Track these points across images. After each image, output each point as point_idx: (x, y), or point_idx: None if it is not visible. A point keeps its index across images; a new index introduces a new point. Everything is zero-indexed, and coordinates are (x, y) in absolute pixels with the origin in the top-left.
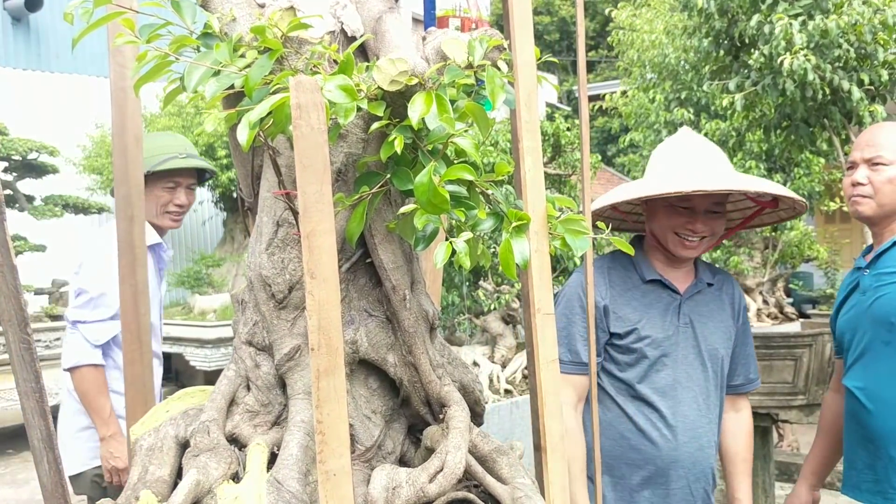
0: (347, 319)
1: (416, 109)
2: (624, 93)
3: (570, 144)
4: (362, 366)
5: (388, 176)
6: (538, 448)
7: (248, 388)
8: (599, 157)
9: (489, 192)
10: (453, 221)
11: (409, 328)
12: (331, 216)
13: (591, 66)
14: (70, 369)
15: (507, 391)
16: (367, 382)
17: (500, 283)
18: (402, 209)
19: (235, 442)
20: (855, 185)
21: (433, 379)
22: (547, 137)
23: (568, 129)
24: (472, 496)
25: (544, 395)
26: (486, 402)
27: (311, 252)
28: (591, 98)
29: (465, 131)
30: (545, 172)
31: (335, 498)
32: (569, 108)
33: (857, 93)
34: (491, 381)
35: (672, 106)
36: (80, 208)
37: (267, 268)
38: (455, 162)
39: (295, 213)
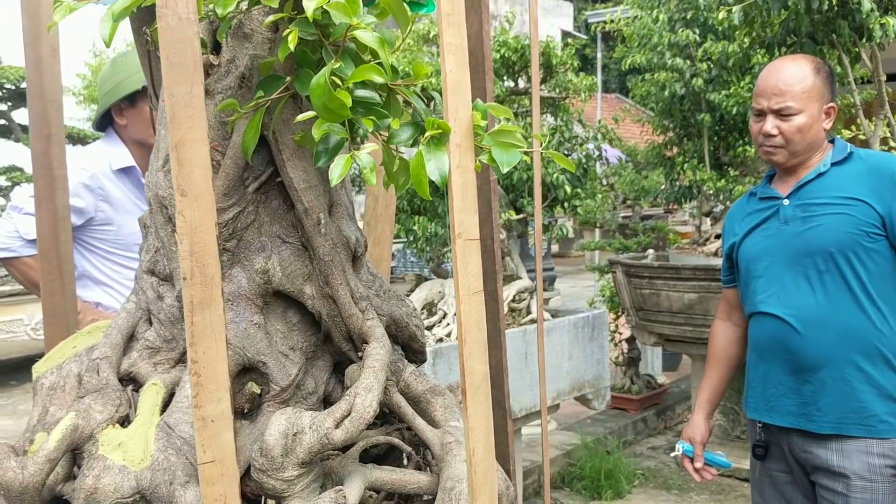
0: (258, 246)
1: None
2: (635, 18)
3: (562, 64)
4: (279, 298)
5: (289, 79)
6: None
7: (150, 322)
8: (594, 79)
9: (409, 98)
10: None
11: (325, 256)
12: (203, 123)
13: None
14: (7, 260)
15: None
16: (286, 316)
17: None
18: (299, 117)
19: (134, 382)
20: (766, 135)
21: (354, 312)
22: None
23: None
24: (395, 440)
25: (465, 331)
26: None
27: (181, 165)
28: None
29: (375, 27)
30: None
31: (213, 447)
32: (585, 37)
33: (867, 3)
34: None
35: (677, 27)
36: (78, 139)
37: (164, 187)
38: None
39: None
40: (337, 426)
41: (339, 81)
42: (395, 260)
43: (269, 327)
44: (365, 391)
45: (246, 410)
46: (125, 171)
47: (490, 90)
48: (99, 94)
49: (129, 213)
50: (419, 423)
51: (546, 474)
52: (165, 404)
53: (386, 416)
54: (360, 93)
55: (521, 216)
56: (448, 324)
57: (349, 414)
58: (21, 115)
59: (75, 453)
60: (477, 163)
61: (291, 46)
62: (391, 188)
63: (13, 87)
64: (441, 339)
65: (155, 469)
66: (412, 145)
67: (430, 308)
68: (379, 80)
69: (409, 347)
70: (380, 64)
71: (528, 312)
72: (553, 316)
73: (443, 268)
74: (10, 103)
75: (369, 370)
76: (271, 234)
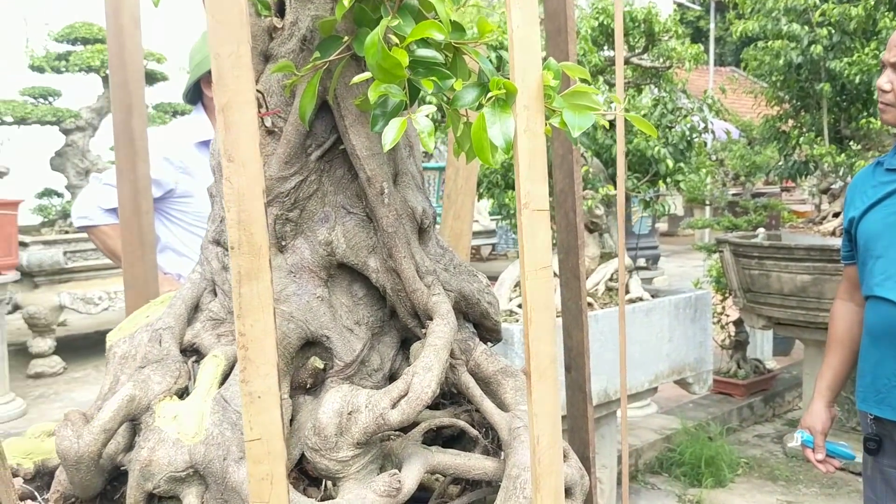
0: (321, 217)
1: None
2: None
3: (665, 32)
4: (344, 271)
5: (348, 39)
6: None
7: (215, 293)
8: (701, 48)
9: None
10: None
11: (389, 227)
12: (250, 85)
13: None
14: (86, 227)
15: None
16: (351, 290)
17: (583, 187)
18: (355, 78)
19: (197, 353)
20: (880, 90)
21: (418, 287)
22: (637, 24)
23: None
24: (460, 423)
25: (531, 310)
26: (501, 318)
27: (227, 129)
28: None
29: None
30: (637, 65)
31: (260, 424)
32: (700, 9)
33: None
34: None
35: None
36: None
37: None
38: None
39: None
40: (393, 406)
41: (396, 40)
42: (497, 237)
43: (334, 301)
44: (423, 370)
45: (309, 385)
46: (207, 144)
47: (573, 53)
48: (189, 66)
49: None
50: (488, 405)
51: (624, 465)
52: (225, 377)
53: (454, 396)
54: (421, 52)
55: None
56: None
57: (406, 394)
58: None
59: (135, 424)
60: (547, 126)
61: (346, 3)
62: (475, 161)
63: None
64: None
65: (209, 444)
66: (477, 109)
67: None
68: (439, 36)
69: (482, 325)
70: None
71: (627, 291)
72: (653, 296)
73: None
74: None
75: (430, 348)
76: (335, 205)
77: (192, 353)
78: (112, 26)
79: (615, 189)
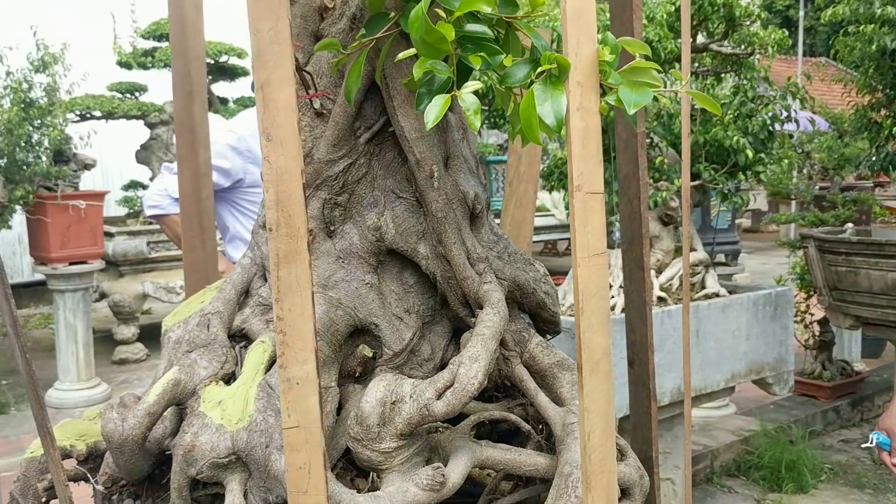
0: (370, 201)
1: None
2: None
3: (747, 16)
4: (394, 257)
5: (395, 16)
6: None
7: (265, 278)
8: (785, 33)
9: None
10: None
11: (438, 212)
12: (289, 62)
13: None
14: (157, 217)
15: (660, 298)
16: (401, 277)
17: (657, 178)
18: (401, 54)
19: (246, 338)
20: None
21: (469, 275)
22: (717, 8)
23: None
24: (511, 416)
25: (583, 298)
26: (561, 309)
27: (266, 107)
28: None
29: None
30: (717, 52)
31: (298, 411)
32: None
33: None
34: None
35: None
36: None
37: None
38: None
39: (299, 70)
40: (439, 397)
41: (444, 15)
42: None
43: (383, 288)
44: (470, 361)
45: (358, 374)
46: None
47: (638, 31)
48: None
49: None
50: (542, 399)
51: (687, 466)
52: (272, 363)
53: (508, 389)
54: (471, 27)
55: (696, 182)
56: (612, 296)
57: (452, 384)
58: (220, 89)
59: (181, 409)
60: (602, 104)
61: None
62: (537, 147)
63: (212, 62)
64: None
65: (252, 430)
66: (528, 86)
67: None
68: (487, 9)
69: (539, 316)
70: None
71: (703, 287)
72: (731, 292)
73: (610, 237)
74: (210, 77)
75: (478, 338)
76: (385, 189)
77: (241, 338)
78: (174, 13)
79: (692, 180)
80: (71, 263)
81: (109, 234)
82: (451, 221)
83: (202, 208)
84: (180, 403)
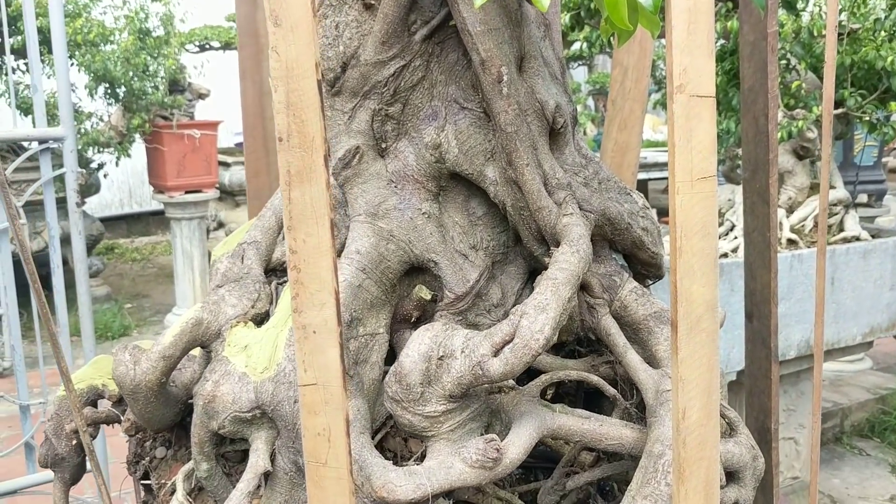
0: (429, 113)
1: None
2: None
3: None
4: (459, 183)
5: None
6: (673, 324)
7: None
8: None
9: None
10: None
11: (508, 126)
12: None
13: None
14: None
15: (790, 241)
16: (468, 207)
17: (793, 105)
18: None
19: (286, 273)
20: None
21: (545, 205)
22: None
23: None
24: (592, 377)
25: (682, 236)
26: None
27: None
28: None
29: None
30: None
31: (315, 366)
32: None
33: None
34: None
35: None
36: None
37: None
38: None
39: None
40: (495, 354)
41: None
42: None
43: (445, 219)
44: (536, 311)
45: (415, 319)
46: None
47: None
48: None
49: None
50: (632, 358)
51: (815, 429)
52: None
53: (593, 344)
54: None
55: (839, 111)
56: (735, 237)
57: (513, 339)
58: None
59: (209, 352)
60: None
61: None
62: (646, 58)
63: None
64: (726, 255)
65: (279, 381)
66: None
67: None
68: None
69: (635, 257)
70: None
71: (841, 229)
72: (874, 236)
73: (737, 172)
74: None
75: (548, 282)
76: (445, 98)
77: (283, 272)
78: None
79: (834, 108)
80: (186, 192)
81: (225, 165)
82: (524, 138)
83: (266, 128)
84: (205, 346)
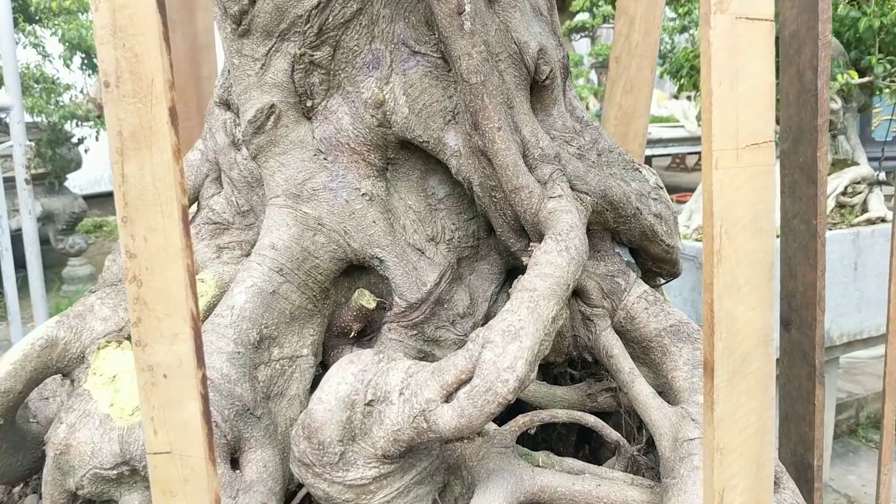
0: (368, 60)
1: None
2: None
3: None
4: (414, 153)
5: None
6: (706, 369)
7: (220, 182)
8: None
9: None
10: None
11: (471, 74)
12: None
13: None
14: None
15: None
16: (424, 186)
17: None
18: None
19: None
20: None
21: (524, 184)
22: None
23: None
24: (589, 419)
25: (721, 231)
26: (680, 241)
27: None
28: None
29: None
30: None
31: (168, 426)
32: None
33: None
34: None
35: None
36: None
37: None
38: None
39: None
40: (447, 399)
41: None
42: None
43: (394, 202)
44: (504, 338)
45: (354, 334)
46: None
47: None
48: None
49: None
50: (641, 390)
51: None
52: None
53: (590, 366)
54: None
55: (864, 80)
56: None
57: (470, 379)
58: None
59: (71, 381)
60: None
61: None
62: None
63: None
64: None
65: None
66: None
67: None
68: None
69: (646, 252)
70: None
71: (865, 210)
72: None
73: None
74: None
75: (523, 295)
76: (391, 39)
77: None
78: None
79: (858, 77)
80: None
81: None
82: (495, 92)
83: (201, 91)
84: (64, 373)
